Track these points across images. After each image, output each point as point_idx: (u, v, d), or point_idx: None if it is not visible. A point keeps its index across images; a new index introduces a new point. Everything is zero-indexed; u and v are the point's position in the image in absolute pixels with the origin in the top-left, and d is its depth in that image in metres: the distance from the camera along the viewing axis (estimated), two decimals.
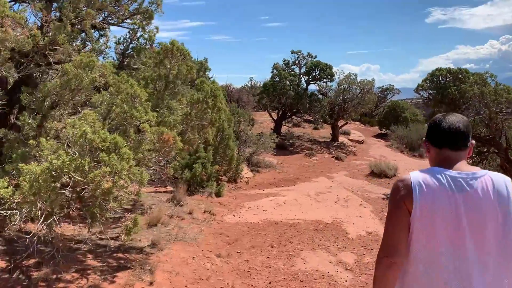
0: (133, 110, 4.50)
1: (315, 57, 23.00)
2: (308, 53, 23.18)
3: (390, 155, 21.12)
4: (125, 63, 8.34)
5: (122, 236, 4.34)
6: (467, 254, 1.61)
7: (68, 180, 4.09)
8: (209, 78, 21.39)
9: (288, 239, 6.85)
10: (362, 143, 25.39)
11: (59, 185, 4.10)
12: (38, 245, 4.72)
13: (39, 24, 6.29)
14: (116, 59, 8.28)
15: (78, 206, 4.31)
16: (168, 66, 5.76)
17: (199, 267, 5.41)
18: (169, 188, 10.14)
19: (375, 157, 20.39)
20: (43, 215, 4.05)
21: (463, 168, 1.72)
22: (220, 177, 12.20)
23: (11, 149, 5.07)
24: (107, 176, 3.88)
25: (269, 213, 8.63)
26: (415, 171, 1.76)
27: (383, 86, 40.46)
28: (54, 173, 3.89)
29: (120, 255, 5.38)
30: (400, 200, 1.71)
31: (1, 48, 5.21)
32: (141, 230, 6.48)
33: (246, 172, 13.25)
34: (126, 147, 4.16)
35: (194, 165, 9.80)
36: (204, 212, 8.17)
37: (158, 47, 6.17)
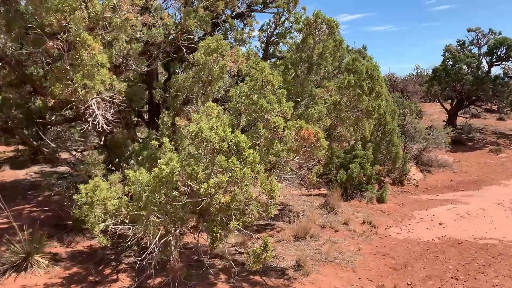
0: (263, 100, 3.47)
1: (500, 33, 18.99)
2: (490, 29, 19.26)
3: None
4: (270, 51, 7.51)
5: (249, 263, 3.38)
6: None
7: (185, 189, 3.30)
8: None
9: (480, 269, 5.00)
10: None
11: (175, 194, 3.34)
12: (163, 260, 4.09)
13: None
14: (260, 48, 7.52)
15: (199, 221, 3.51)
16: (312, 46, 4.59)
17: None
18: (323, 191, 9.00)
19: None
20: (159, 232, 3.34)
21: None
22: (383, 179, 10.55)
23: (141, 150, 4.60)
24: (225, 187, 2.94)
25: (448, 227, 6.75)
26: None
27: None
28: (165, 181, 3.12)
29: (257, 278, 4.46)
30: None
31: (132, 42, 4.80)
32: (286, 244, 5.50)
33: (414, 172, 11.25)
34: (252, 149, 3.16)
35: (350, 165, 8.44)
36: (363, 223, 6.78)
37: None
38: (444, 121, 19.54)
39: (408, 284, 4.61)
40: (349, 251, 5.38)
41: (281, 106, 3.56)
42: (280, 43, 7.08)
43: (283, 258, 5.03)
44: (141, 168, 3.35)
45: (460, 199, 8.92)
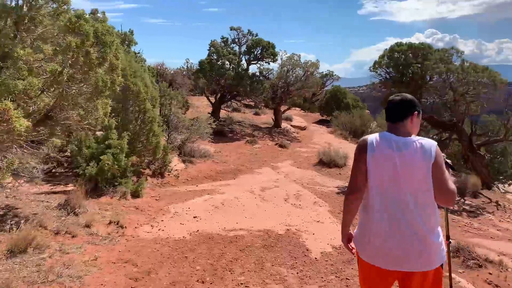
0: None
1: (256, 35, 20.92)
2: (248, 30, 21.02)
3: (335, 142, 19.70)
4: None
5: None
6: (403, 191, 2.31)
7: None
8: (136, 54, 18.63)
9: (227, 266, 4.74)
10: (305, 129, 23.89)
11: None
12: None
13: None
14: None
15: None
16: None
17: None
18: (70, 187, 7.63)
19: (320, 144, 18.87)
20: None
21: (404, 134, 2.38)
22: (143, 171, 9.82)
23: None
24: None
25: (202, 220, 6.47)
26: (372, 134, 2.45)
27: (322, 72, 39.36)
28: None
29: None
30: (361, 152, 2.43)
31: None
32: None
33: (176, 163, 10.94)
34: None
35: (101, 157, 7.34)
36: (110, 223, 5.82)
37: None
38: (209, 113, 20.30)
39: None
40: (82, 262, 4.34)
41: None
42: None
43: None
44: None
45: (218, 188, 8.97)
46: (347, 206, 2.49)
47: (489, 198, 9.90)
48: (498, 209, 9.07)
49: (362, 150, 2.41)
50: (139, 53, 18.92)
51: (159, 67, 26.23)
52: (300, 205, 7.86)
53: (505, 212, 8.94)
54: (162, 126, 10.50)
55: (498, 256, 5.62)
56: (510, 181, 15.32)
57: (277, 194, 8.68)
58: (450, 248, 3.48)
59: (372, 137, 2.41)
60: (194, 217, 6.54)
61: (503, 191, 11.31)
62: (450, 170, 2.52)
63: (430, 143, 2.32)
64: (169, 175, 10.11)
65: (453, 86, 10.20)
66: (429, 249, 2.30)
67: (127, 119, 9.08)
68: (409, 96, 2.50)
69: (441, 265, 2.37)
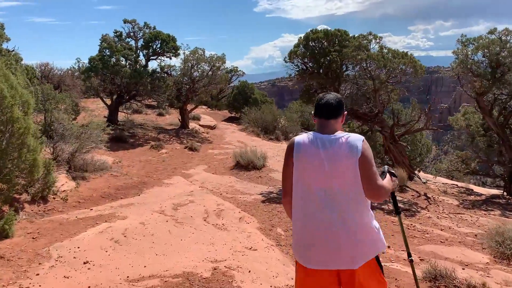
0: None
1: (154, 28, 18.95)
2: (145, 23, 18.95)
3: (248, 140, 18.68)
4: None
5: None
6: (334, 191, 2.28)
7: None
8: (9, 51, 15.59)
9: None
10: (215, 128, 22.53)
11: None
12: None
13: None
14: None
15: None
16: None
17: None
18: None
19: (233, 143, 17.69)
20: None
21: (331, 132, 2.37)
22: (18, 197, 7.63)
23: None
24: None
25: (96, 266, 4.73)
26: (301, 134, 2.45)
27: (227, 68, 38.29)
28: None
29: None
30: (288, 154, 2.42)
31: None
32: None
33: (64, 182, 8.83)
34: None
35: None
36: None
37: None
38: (105, 117, 17.95)
39: None
40: None
41: None
42: None
43: None
44: None
45: (118, 212, 7.18)
46: (286, 209, 2.57)
47: (416, 192, 9.45)
48: (430, 203, 8.59)
49: (289, 152, 2.42)
50: (13, 50, 15.92)
51: (43, 68, 22.90)
52: (223, 225, 6.44)
53: (438, 206, 8.49)
54: (41, 137, 8.32)
55: (478, 273, 4.78)
56: (419, 168, 15.58)
57: (193, 211, 7.16)
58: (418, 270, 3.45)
59: (300, 138, 2.42)
60: (84, 263, 4.77)
61: (424, 180, 11.08)
62: (393, 177, 2.60)
63: (356, 138, 2.32)
64: (54, 198, 8.04)
65: (373, 74, 9.54)
66: (362, 244, 2.29)
67: None
68: (338, 95, 2.56)
69: (376, 257, 2.37)
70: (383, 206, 8.02)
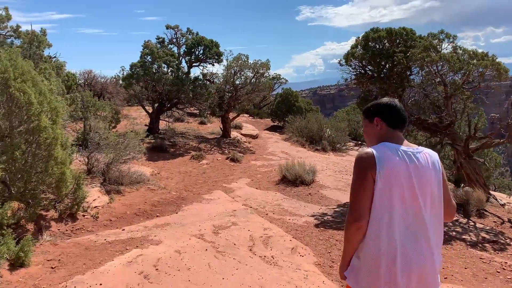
0: None
1: (197, 33, 18.32)
2: (188, 29, 18.37)
3: (293, 151, 17.56)
4: None
5: None
6: (421, 211, 1.97)
7: None
8: (50, 57, 15.38)
9: None
10: (257, 137, 21.54)
11: None
12: None
13: None
14: None
15: None
16: None
17: None
18: None
19: (277, 154, 16.63)
20: None
21: (409, 144, 2.10)
22: (44, 215, 6.92)
23: None
24: None
25: None
26: (373, 146, 2.07)
27: (270, 75, 37.34)
28: None
29: None
30: (366, 169, 1.98)
31: None
32: None
33: (97, 196, 8.09)
34: None
35: None
36: None
37: None
38: (146, 125, 17.44)
39: None
40: None
41: None
42: None
43: None
44: None
45: (151, 234, 6.28)
46: (352, 236, 2.00)
47: (498, 217, 7.97)
48: None
49: (368, 166, 2.00)
50: (54, 57, 15.73)
51: (86, 75, 22.89)
52: (273, 257, 5.36)
53: None
54: (72, 147, 7.62)
55: None
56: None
57: (237, 237, 6.14)
58: None
59: (378, 149, 2.04)
60: None
61: (501, 202, 9.52)
62: None
63: (435, 154, 2.14)
64: (84, 216, 7.28)
65: (445, 78, 8.20)
66: (438, 271, 2.04)
67: (12, 143, 6.17)
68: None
69: None
70: (463, 237, 6.65)
